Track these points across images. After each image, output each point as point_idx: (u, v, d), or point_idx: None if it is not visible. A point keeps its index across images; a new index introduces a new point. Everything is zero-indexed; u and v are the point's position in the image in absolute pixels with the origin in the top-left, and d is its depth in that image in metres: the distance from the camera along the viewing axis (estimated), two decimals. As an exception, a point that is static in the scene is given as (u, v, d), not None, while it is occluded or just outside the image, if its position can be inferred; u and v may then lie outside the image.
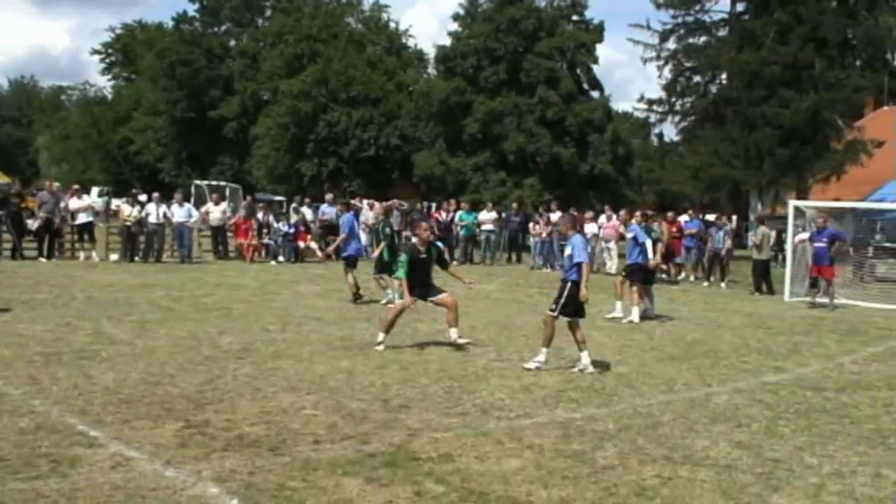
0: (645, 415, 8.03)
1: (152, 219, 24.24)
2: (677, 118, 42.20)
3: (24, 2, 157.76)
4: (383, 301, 15.55)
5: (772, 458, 6.74)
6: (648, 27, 40.10)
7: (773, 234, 24.07)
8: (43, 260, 22.89)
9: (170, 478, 5.82)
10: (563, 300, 10.02)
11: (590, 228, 18.34)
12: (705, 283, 23.78)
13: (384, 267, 15.72)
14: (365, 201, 29.82)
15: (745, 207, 42.76)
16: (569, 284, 10.01)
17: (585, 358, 9.97)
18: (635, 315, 14.83)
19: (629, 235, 16.35)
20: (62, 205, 24.06)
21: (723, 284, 23.25)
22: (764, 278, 21.78)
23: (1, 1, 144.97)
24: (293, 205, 30.53)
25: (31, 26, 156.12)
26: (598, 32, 44.60)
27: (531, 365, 9.97)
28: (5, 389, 7.89)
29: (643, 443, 7.06)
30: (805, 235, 20.15)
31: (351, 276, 16.40)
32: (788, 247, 21.33)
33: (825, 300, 18.82)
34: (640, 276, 15.20)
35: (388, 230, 16.54)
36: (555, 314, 10.00)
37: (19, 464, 5.96)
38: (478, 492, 5.72)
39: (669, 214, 24.50)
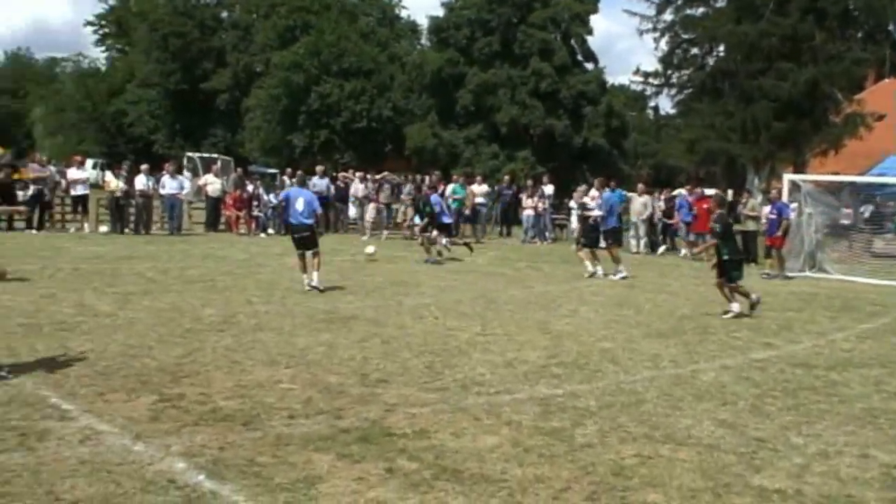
0: (628, 392, 7.89)
1: (140, 189, 24.04)
2: (673, 91, 42.09)
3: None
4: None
5: (756, 438, 6.60)
6: (646, -2, 39.86)
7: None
8: (33, 231, 22.67)
9: (138, 452, 5.68)
10: None
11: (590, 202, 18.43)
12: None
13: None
14: (356, 174, 29.60)
15: (741, 181, 42.65)
16: None
17: None
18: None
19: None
20: (51, 175, 23.98)
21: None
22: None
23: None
24: (283, 177, 30.28)
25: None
26: (592, 3, 44.20)
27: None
28: (-18, 362, 7.72)
29: (625, 420, 6.92)
30: (767, 209, 20.75)
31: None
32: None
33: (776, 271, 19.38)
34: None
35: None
36: None
37: (-14, 437, 5.82)
38: (451, 469, 5.58)
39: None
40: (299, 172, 17.89)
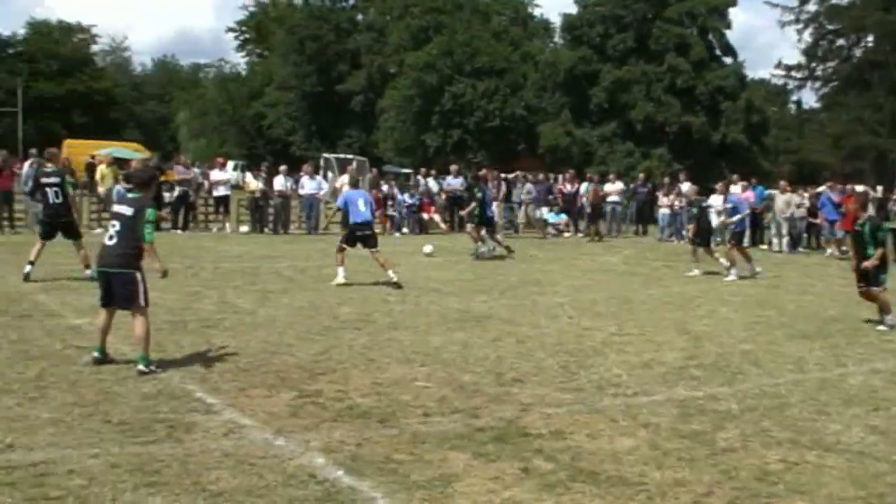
0: (772, 395, 7.61)
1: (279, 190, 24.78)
2: (817, 84, 40.69)
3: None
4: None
5: (911, 445, 6.27)
6: (788, -11, 38.59)
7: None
8: (178, 231, 23.59)
9: (279, 447, 5.83)
10: None
11: (717, 200, 17.94)
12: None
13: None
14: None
15: (891, 177, 40.70)
16: None
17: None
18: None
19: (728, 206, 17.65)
20: (195, 177, 25.03)
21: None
22: None
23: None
24: (418, 177, 30.67)
25: (177, 6, 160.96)
26: (731, -5, 43.02)
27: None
28: (133, 356, 8.06)
29: (768, 425, 6.68)
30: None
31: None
32: None
33: None
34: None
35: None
36: None
37: (139, 428, 6.09)
38: (587, 471, 5.50)
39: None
40: (350, 171, 19.73)
